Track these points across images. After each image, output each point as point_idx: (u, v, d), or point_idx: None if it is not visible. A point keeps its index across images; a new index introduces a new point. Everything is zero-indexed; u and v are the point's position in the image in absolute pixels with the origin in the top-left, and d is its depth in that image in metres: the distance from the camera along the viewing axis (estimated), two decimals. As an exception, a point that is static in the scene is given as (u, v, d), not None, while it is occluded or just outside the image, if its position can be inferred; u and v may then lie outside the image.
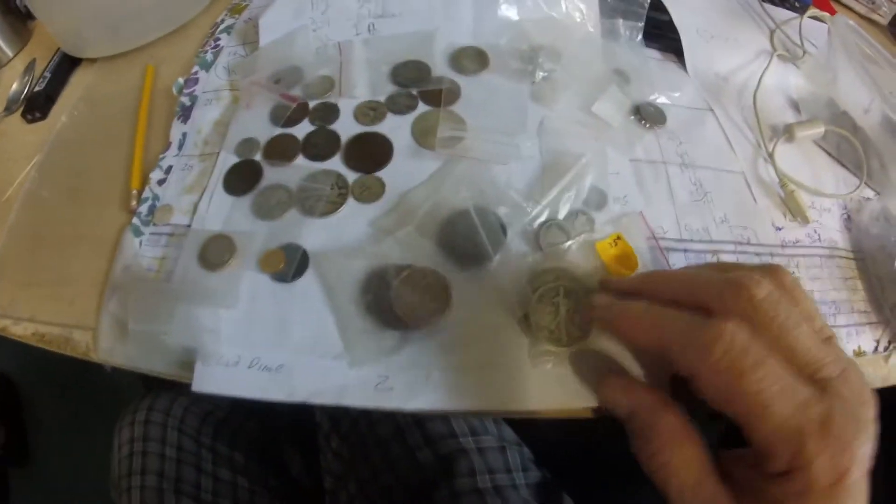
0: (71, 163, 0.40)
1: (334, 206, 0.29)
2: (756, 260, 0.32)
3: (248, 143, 0.33)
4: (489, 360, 0.26)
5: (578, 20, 0.37)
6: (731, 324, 0.18)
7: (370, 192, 0.30)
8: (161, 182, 0.34)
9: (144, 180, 0.35)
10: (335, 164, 0.31)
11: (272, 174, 0.32)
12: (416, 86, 0.33)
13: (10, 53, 0.53)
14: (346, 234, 0.29)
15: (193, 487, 0.40)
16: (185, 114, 0.36)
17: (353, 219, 0.29)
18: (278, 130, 0.33)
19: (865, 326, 0.32)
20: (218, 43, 0.40)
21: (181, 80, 0.39)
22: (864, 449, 0.18)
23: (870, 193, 0.36)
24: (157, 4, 0.44)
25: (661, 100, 0.36)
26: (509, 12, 0.37)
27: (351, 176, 0.31)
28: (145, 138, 0.38)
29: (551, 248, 0.28)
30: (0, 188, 0.41)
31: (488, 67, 0.34)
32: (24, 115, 0.44)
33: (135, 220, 0.33)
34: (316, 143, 0.32)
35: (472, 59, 0.34)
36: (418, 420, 0.34)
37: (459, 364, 0.26)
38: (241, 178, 0.32)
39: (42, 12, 0.46)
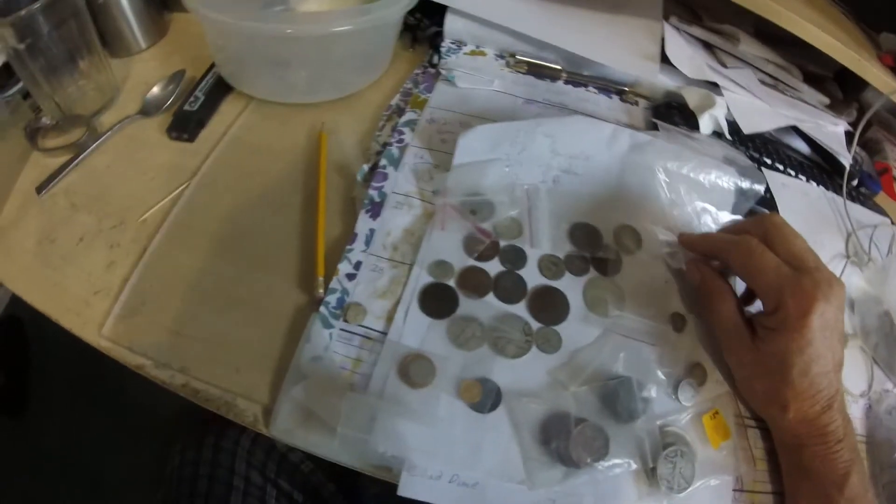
0: (227, 207, 0.41)
1: (522, 350, 0.35)
2: None
3: (442, 267, 0.37)
4: (622, 495, 0.34)
5: (713, 217, 0.44)
6: (750, 236, 0.35)
7: (549, 345, 0.36)
8: (350, 277, 0.37)
9: (329, 267, 0.38)
10: (521, 309, 0.37)
11: (466, 305, 0.36)
12: (589, 249, 0.39)
13: (143, 44, 0.51)
14: (528, 377, 0.35)
15: None
16: (375, 210, 0.39)
17: (535, 365, 0.35)
18: (470, 262, 0.38)
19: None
20: (402, 138, 0.42)
21: (365, 168, 0.41)
22: (822, 302, 0.31)
23: (890, 385, 0.45)
24: (332, 64, 0.45)
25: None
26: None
27: (534, 324, 0.36)
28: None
29: (674, 416, 0.37)
30: (134, 204, 0.41)
31: (642, 249, 0.41)
32: (170, 131, 0.44)
33: (323, 310, 0.36)
34: (506, 286, 0.37)
35: (631, 237, 0.41)
36: None
37: (604, 496, 0.34)
38: (438, 301, 0.36)
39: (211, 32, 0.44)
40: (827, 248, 0.50)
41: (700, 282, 0.38)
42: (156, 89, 0.47)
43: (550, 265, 0.38)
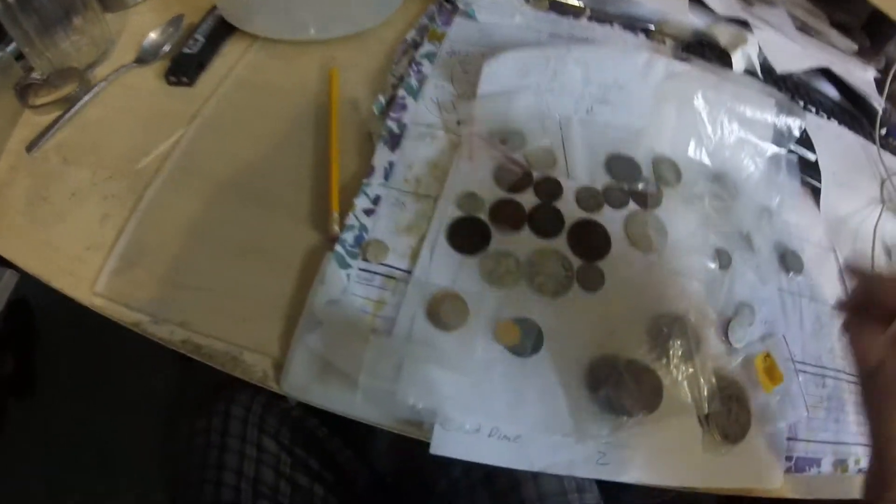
0: (232, 150, 0.37)
1: (563, 288, 0.32)
2: (848, 387, 0.39)
3: (472, 199, 0.34)
4: (675, 445, 0.31)
5: (756, 149, 0.41)
6: None
7: (592, 282, 0.32)
8: (369, 213, 0.34)
9: (344, 204, 0.34)
10: (560, 244, 0.33)
11: (499, 240, 0.33)
12: (628, 182, 0.36)
13: None
14: (571, 317, 0.31)
15: (272, 490, 0.39)
16: (394, 142, 0.36)
17: (578, 304, 0.32)
18: (502, 194, 0.34)
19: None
20: (420, 69, 0.39)
21: (382, 99, 0.38)
22: None
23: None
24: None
25: (797, 237, 0.41)
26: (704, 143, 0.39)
27: (574, 260, 0.33)
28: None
29: (735, 351, 0.33)
30: (130, 153, 0.38)
31: (681, 183, 0.38)
32: (168, 75, 0.40)
33: (339, 249, 0.32)
34: (542, 219, 0.33)
35: (670, 170, 0.38)
36: (535, 474, 0.37)
37: (656, 447, 0.30)
38: (468, 236, 0.32)
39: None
40: (863, 193, 0.47)
41: (880, 364, 0.25)
42: (153, 35, 0.43)
43: (589, 197, 0.35)
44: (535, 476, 0.34)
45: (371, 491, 0.45)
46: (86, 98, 0.39)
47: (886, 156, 0.49)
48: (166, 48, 0.42)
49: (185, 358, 0.31)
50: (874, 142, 0.49)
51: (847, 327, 0.27)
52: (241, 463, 0.39)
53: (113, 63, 0.42)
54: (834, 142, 0.48)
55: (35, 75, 0.41)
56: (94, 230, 0.34)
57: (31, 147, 0.37)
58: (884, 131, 0.55)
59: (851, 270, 0.31)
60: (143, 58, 0.42)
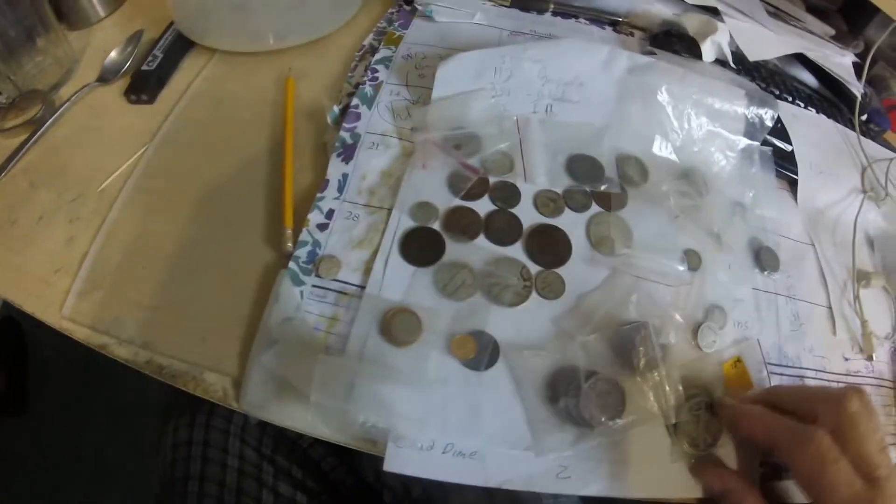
0: (190, 166, 0.37)
1: (520, 297, 0.31)
2: (830, 386, 0.38)
3: (425, 209, 0.33)
4: (642, 455, 0.30)
5: (727, 143, 0.39)
6: (822, 431, 0.27)
7: (551, 290, 0.31)
8: (322, 227, 0.33)
9: (299, 219, 0.34)
10: (517, 251, 0.32)
11: (453, 249, 0.32)
12: (590, 183, 0.35)
13: (101, 13, 0.47)
14: (529, 328, 0.30)
15: (254, 501, 0.39)
16: (348, 153, 0.35)
17: (537, 313, 0.31)
18: (457, 202, 0.33)
19: (892, 447, 0.39)
20: (376, 76, 0.38)
21: (336, 109, 0.37)
22: None
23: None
24: (297, 5, 0.41)
25: (773, 232, 0.39)
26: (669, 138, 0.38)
27: (533, 268, 0.32)
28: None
29: (705, 357, 0.32)
30: (94, 174, 0.38)
31: (647, 182, 0.36)
32: (128, 94, 0.40)
33: (292, 266, 0.32)
34: (498, 226, 0.32)
35: (635, 168, 0.36)
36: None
37: (622, 458, 0.29)
38: (422, 247, 0.32)
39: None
40: (843, 182, 0.46)
41: (724, 493, 0.29)
42: (113, 54, 0.43)
43: (548, 201, 0.34)
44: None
45: (356, 497, 0.45)
46: (51, 120, 0.39)
47: (867, 143, 0.48)
48: (126, 66, 0.42)
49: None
50: (854, 129, 0.47)
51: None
52: (223, 474, 0.39)
53: (77, 82, 0.42)
54: (812, 130, 0.46)
55: (0, 99, 0.41)
56: (62, 253, 0.34)
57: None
58: (864, 117, 0.53)
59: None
60: (105, 76, 0.41)
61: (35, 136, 0.38)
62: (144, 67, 0.41)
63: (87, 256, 0.34)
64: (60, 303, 0.32)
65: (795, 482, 0.29)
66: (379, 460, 0.28)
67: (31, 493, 0.76)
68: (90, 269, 0.33)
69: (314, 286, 0.31)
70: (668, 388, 0.31)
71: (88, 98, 0.41)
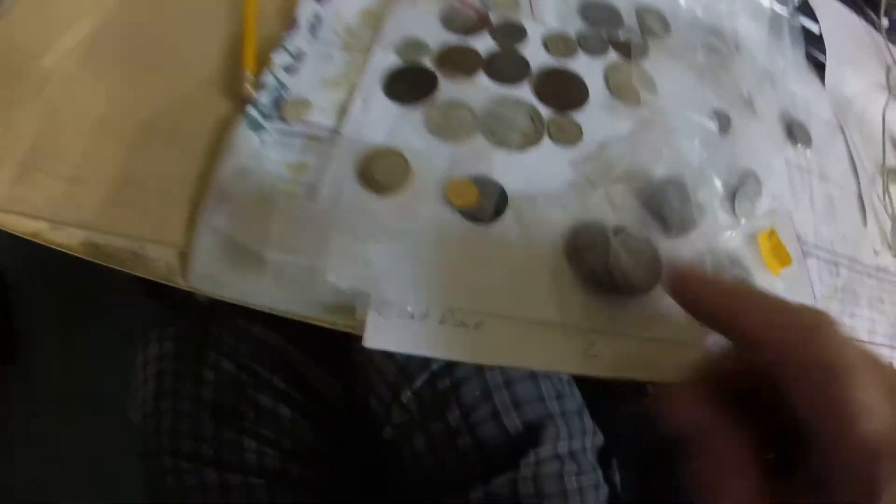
0: (136, 22, 0.30)
1: (530, 140, 0.25)
2: (860, 279, 0.34)
3: (414, 45, 0.27)
4: (673, 335, 0.25)
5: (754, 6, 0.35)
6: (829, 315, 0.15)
7: (567, 135, 0.26)
8: (290, 69, 0.27)
9: (261, 61, 0.27)
10: (524, 92, 0.27)
11: (449, 88, 0.26)
12: (607, 29, 0.30)
13: None
14: (543, 177, 0.25)
15: (233, 415, 0.34)
16: (319, -11, 0.29)
17: (552, 159, 0.25)
18: (454, 38, 0.28)
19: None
20: None
21: (305, -56, 0.31)
22: None
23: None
24: None
25: (802, 109, 0.36)
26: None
27: (544, 111, 0.27)
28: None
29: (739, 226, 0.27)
30: (34, 51, 0.30)
31: (670, 34, 0.32)
32: None
33: (251, 111, 0.25)
34: (502, 64, 0.27)
35: (656, 21, 0.31)
36: (508, 381, 0.32)
37: (657, 335, 0.24)
38: (409, 84, 0.26)
39: None
40: (868, 75, 0.42)
41: (691, 433, 0.18)
42: None
43: (559, 42, 0.28)
44: (509, 383, 0.28)
45: (346, 411, 0.39)
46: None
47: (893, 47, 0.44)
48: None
49: (154, 295, 0.25)
50: (878, 30, 0.44)
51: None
52: (198, 388, 0.34)
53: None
54: (837, 18, 0.42)
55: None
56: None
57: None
58: (886, 24, 0.50)
59: None
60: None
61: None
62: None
63: (20, 139, 0.27)
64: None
65: (796, 407, 0.16)
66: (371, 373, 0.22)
67: (24, 440, 0.75)
68: (25, 152, 0.27)
69: (278, 131, 0.25)
70: (706, 255, 0.26)
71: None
